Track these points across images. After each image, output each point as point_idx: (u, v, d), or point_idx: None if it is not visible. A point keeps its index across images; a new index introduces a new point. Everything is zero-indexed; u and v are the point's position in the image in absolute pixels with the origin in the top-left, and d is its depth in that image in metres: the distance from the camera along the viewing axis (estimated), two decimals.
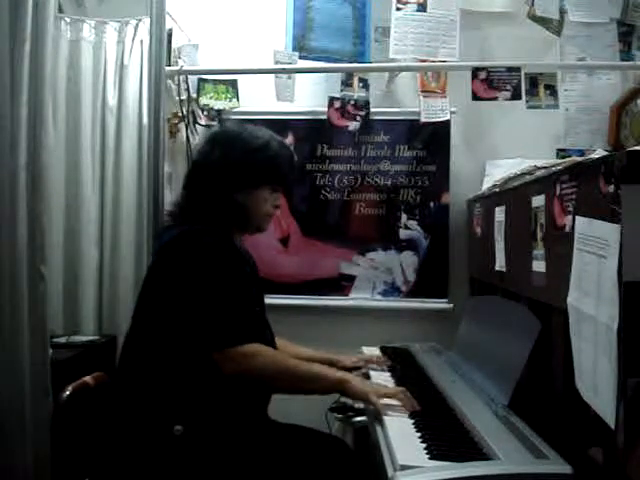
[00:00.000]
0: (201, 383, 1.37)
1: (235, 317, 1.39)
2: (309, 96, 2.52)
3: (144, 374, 1.40)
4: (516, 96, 2.19)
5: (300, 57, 2.37)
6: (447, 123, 2.40)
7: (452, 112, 2.39)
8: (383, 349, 2.11)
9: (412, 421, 1.33)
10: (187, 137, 2.47)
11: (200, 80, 2.44)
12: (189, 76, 2.43)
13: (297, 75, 2.41)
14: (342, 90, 2.38)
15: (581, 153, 2.16)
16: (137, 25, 2.46)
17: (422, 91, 2.38)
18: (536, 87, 2.22)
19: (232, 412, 1.40)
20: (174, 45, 2.39)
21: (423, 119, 2.37)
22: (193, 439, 1.35)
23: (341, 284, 2.50)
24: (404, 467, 1.09)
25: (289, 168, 1.62)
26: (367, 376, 1.73)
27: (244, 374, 1.37)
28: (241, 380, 1.38)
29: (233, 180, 1.52)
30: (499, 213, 1.79)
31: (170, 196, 2.21)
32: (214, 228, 1.47)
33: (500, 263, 1.77)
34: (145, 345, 1.42)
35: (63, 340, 2.25)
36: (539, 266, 1.40)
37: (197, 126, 2.50)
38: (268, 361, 1.41)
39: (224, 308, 1.37)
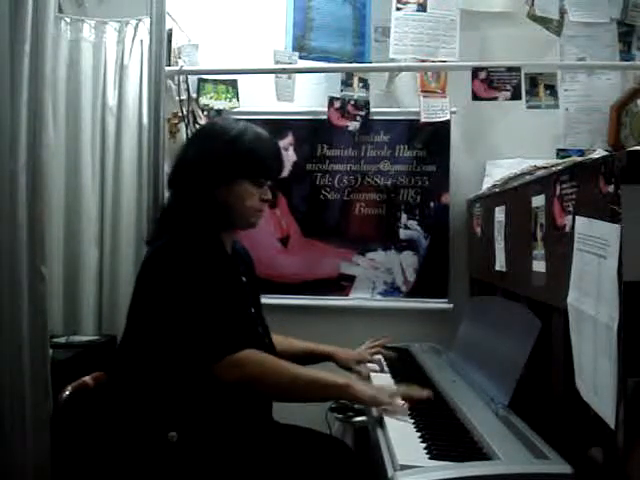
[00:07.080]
0: (195, 389, 1.36)
1: (224, 326, 1.34)
2: (309, 96, 2.52)
3: (138, 381, 1.39)
4: (516, 96, 2.19)
5: (300, 57, 2.37)
6: (447, 123, 2.40)
7: (452, 112, 2.39)
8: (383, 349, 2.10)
9: (412, 421, 1.33)
10: (187, 137, 2.47)
11: (200, 80, 2.44)
12: (189, 76, 2.43)
13: (297, 75, 2.40)
14: (342, 90, 2.37)
15: (581, 153, 2.15)
16: (137, 25, 2.46)
17: (422, 91, 2.37)
18: (536, 87, 2.22)
19: (228, 417, 1.38)
20: (174, 45, 2.39)
21: (423, 119, 2.37)
22: (188, 446, 1.33)
23: (341, 284, 2.50)
24: (404, 467, 1.09)
25: (270, 159, 1.51)
26: (367, 377, 1.73)
27: (244, 382, 1.33)
28: (239, 388, 1.36)
29: (209, 176, 1.45)
30: (499, 213, 1.79)
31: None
32: (197, 235, 1.42)
33: (500, 263, 1.77)
34: (139, 353, 1.40)
35: (63, 340, 2.25)
36: (539, 266, 1.40)
37: (197, 126, 2.49)
38: (267, 368, 1.36)
39: (210, 320, 1.33)
